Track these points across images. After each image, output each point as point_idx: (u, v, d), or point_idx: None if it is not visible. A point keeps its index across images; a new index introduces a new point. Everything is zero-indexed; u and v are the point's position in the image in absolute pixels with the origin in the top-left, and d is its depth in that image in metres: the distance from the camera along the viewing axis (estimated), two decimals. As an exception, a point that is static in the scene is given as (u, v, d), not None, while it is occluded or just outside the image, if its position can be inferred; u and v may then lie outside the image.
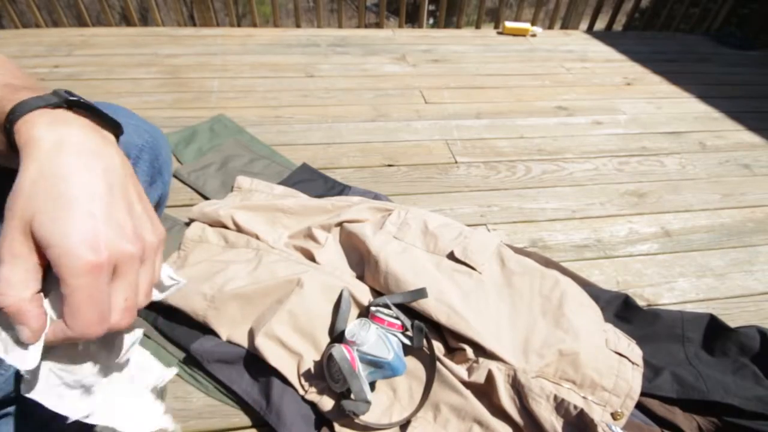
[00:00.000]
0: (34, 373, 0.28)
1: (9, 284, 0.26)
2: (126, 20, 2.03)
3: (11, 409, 0.47)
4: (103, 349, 0.32)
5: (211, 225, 0.90)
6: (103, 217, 0.27)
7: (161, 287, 0.35)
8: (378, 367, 0.64)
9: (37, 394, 0.29)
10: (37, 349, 0.27)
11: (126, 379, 0.34)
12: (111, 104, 0.46)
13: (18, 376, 0.45)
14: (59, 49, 1.73)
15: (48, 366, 0.29)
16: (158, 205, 0.64)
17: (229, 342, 0.73)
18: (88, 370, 0.31)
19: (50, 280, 0.28)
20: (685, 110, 1.64)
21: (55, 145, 0.28)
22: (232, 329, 0.73)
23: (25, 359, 0.27)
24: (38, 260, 0.27)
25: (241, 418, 0.67)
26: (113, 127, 0.33)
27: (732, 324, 0.78)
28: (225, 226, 0.89)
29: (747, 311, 0.90)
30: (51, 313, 0.28)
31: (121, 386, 0.33)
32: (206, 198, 1.05)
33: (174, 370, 0.36)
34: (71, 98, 0.31)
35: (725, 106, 1.67)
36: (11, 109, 0.29)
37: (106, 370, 0.32)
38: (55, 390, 0.29)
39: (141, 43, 1.84)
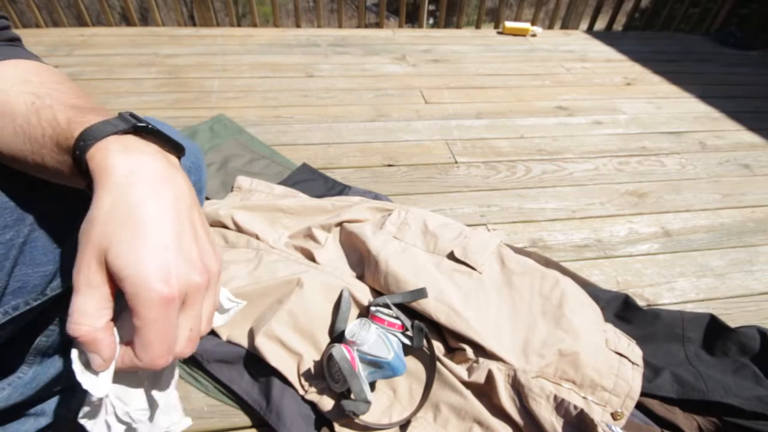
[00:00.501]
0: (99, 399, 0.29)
1: (84, 314, 0.26)
2: (126, 20, 2.03)
3: (35, 409, 0.48)
4: (152, 385, 0.33)
5: (211, 225, 0.90)
6: (174, 249, 0.28)
7: (221, 310, 0.35)
8: (378, 367, 0.64)
9: (86, 420, 0.29)
10: (108, 376, 0.28)
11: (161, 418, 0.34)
12: (162, 123, 0.47)
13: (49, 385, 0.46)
14: (59, 49, 1.74)
15: (108, 399, 0.30)
16: None
17: (229, 342, 0.73)
18: (138, 404, 0.31)
19: (118, 306, 0.28)
20: (685, 110, 1.64)
21: (128, 174, 0.28)
22: (232, 329, 0.73)
23: (96, 385, 0.28)
24: (111, 289, 0.27)
25: (241, 418, 0.67)
26: (177, 150, 0.34)
27: (732, 324, 0.78)
28: (225, 226, 0.89)
29: (747, 311, 0.90)
30: (118, 339, 0.28)
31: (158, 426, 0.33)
32: (206, 198, 1.05)
33: (189, 422, 0.35)
34: (139, 124, 0.31)
35: (725, 106, 1.67)
36: (81, 135, 0.29)
37: (151, 407, 0.32)
38: (105, 418, 0.30)
39: (141, 43, 1.84)
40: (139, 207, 0.27)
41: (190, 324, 0.29)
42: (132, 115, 0.32)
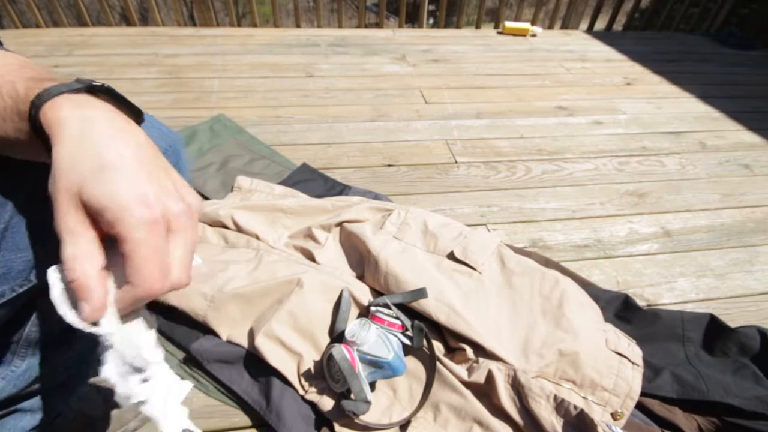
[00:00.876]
0: (110, 349, 0.30)
1: (74, 258, 0.26)
2: (126, 20, 2.03)
3: (23, 405, 0.48)
4: (153, 335, 0.33)
5: (211, 225, 0.90)
6: (146, 179, 0.28)
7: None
8: (378, 367, 0.64)
9: (107, 371, 0.30)
10: (111, 316, 0.28)
11: (165, 376, 0.35)
12: (158, 119, 0.47)
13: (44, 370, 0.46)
14: (59, 49, 1.74)
15: (119, 345, 0.30)
16: None
17: (229, 342, 0.72)
18: (147, 354, 0.32)
19: (111, 260, 0.28)
20: (685, 110, 1.64)
21: (84, 122, 0.28)
22: (232, 329, 0.73)
23: (100, 327, 0.28)
24: (98, 234, 0.27)
25: (241, 418, 0.67)
26: (135, 114, 0.34)
27: (732, 324, 0.78)
28: (225, 226, 0.89)
29: (747, 311, 0.90)
30: (114, 287, 0.29)
31: (164, 384, 0.34)
32: (206, 198, 1.05)
33: (189, 385, 0.36)
34: (95, 84, 0.31)
35: (725, 106, 1.67)
36: (36, 96, 0.29)
37: (158, 361, 0.33)
38: (121, 369, 0.31)
39: (141, 43, 1.84)
40: (104, 146, 0.28)
41: (180, 251, 0.29)
42: (90, 80, 0.32)
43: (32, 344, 0.45)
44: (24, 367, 0.45)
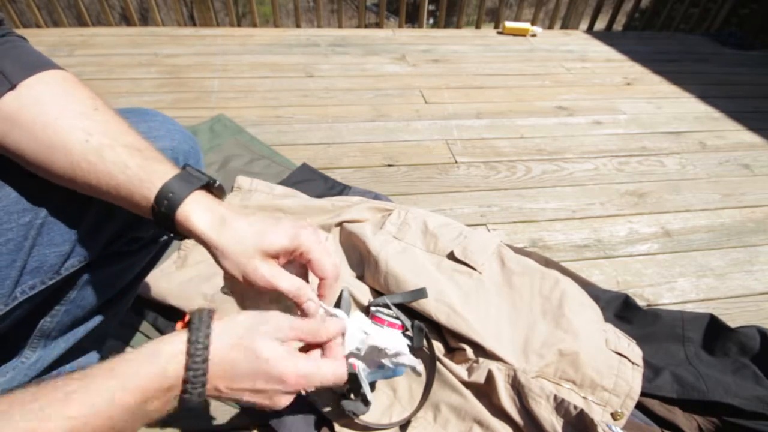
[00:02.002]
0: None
1: (297, 287, 0.40)
2: (126, 20, 2.03)
3: None
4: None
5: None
6: (278, 221, 0.41)
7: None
8: (378, 367, 0.64)
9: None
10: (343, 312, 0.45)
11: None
12: (161, 114, 0.52)
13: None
14: (59, 49, 1.74)
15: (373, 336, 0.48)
16: None
17: (229, 342, 0.72)
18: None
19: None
20: (685, 110, 1.64)
21: (217, 214, 0.38)
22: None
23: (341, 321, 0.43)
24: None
25: (241, 418, 0.67)
26: (222, 192, 0.44)
27: (732, 324, 0.78)
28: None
29: (747, 311, 0.90)
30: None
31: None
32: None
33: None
34: (210, 181, 0.41)
35: (725, 106, 1.67)
36: (158, 194, 0.37)
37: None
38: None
39: (141, 43, 1.84)
40: (248, 222, 0.39)
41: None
42: (196, 169, 0.40)
43: (45, 335, 0.47)
44: (34, 358, 0.46)
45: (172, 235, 0.40)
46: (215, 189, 0.41)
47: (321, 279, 0.42)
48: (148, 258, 0.55)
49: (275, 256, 0.39)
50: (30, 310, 0.43)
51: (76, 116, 0.38)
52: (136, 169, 0.37)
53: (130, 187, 0.37)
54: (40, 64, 0.39)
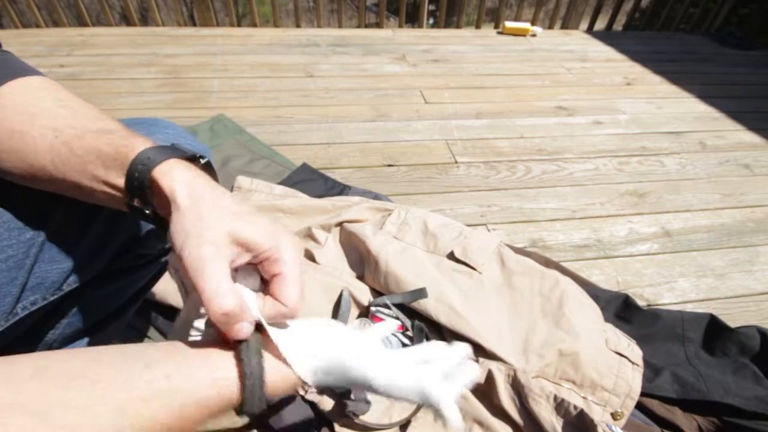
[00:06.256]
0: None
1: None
2: (126, 20, 2.03)
3: None
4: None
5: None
6: (266, 219, 0.34)
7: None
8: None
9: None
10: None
11: None
12: (173, 125, 0.51)
13: None
14: (59, 49, 1.74)
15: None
16: None
17: (229, 342, 0.72)
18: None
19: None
20: (685, 110, 1.64)
21: (197, 187, 0.32)
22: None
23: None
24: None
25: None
26: (212, 171, 0.39)
27: (732, 324, 0.78)
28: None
29: (747, 311, 0.90)
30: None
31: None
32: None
33: None
34: (197, 155, 0.36)
35: (725, 106, 1.67)
36: (134, 159, 0.33)
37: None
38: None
39: (141, 43, 1.84)
40: (230, 204, 0.32)
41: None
42: (173, 145, 0.36)
43: (47, 346, 0.47)
44: None
45: (145, 210, 0.34)
46: (202, 165, 0.36)
47: (278, 309, 0.32)
48: (152, 273, 0.55)
49: (241, 245, 0.31)
50: (31, 323, 0.43)
51: (43, 118, 0.36)
52: (107, 149, 0.34)
53: (105, 169, 0.34)
54: (10, 73, 0.38)
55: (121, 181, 0.33)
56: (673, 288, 0.94)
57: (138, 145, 0.34)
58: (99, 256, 0.45)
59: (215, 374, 0.30)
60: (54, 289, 0.42)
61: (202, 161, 0.36)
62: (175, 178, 0.32)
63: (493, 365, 0.67)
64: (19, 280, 0.39)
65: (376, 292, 0.79)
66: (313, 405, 0.66)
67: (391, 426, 0.64)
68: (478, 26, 2.31)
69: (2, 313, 0.39)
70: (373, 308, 0.72)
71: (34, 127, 0.35)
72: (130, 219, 0.46)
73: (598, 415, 0.64)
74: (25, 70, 0.39)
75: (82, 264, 0.43)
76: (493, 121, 1.48)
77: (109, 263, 0.47)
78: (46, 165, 0.35)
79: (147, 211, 0.34)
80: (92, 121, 0.36)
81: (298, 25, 2.16)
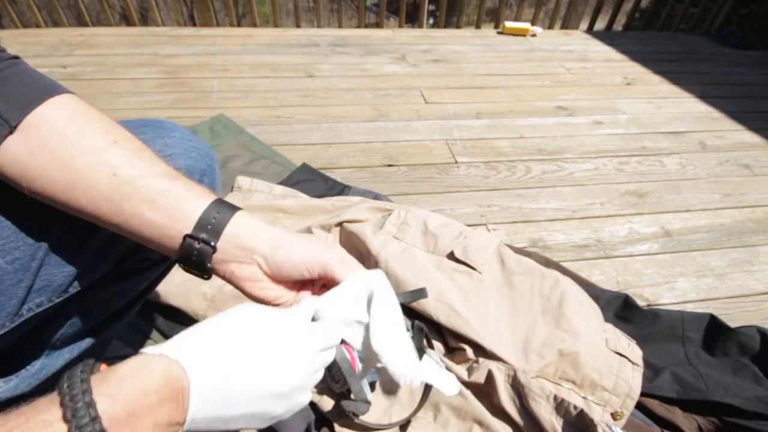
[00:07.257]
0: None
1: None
2: (126, 20, 2.03)
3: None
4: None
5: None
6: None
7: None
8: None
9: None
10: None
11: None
12: (179, 128, 0.50)
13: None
14: (59, 49, 1.74)
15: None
16: None
17: (229, 342, 0.72)
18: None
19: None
20: (685, 110, 1.64)
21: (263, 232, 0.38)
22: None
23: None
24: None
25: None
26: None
27: (732, 324, 0.78)
28: (225, 226, 0.89)
29: (747, 311, 0.90)
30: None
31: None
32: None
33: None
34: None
35: (725, 106, 1.67)
36: (209, 209, 0.36)
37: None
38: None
39: (141, 43, 1.84)
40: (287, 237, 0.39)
41: None
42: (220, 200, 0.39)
43: (50, 346, 0.47)
44: (37, 367, 0.47)
45: (204, 275, 0.38)
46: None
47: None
48: (156, 275, 0.55)
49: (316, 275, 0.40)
50: (35, 324, 0.43)
51: (94, 151, 0.36)
52: (172, 196, 0.36)
53: (170, 212, 0.36)
54: (39, 93, 0.36)
55: (182, 226, 0.36)
56: (673, 288, 0.94)
57: (204, 197, 0.37)
58: (106, 258, 0.45)
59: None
60: (60, 291, 0.42)
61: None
62: (257, 230, 0.37)
63: (493, 365, 0.67)
64: (25, 282, 0.39)
65: (376, 292, 0.79)
66: (313, 405, 0.66)
67: (391, 426, 0.64)
68: (478, 26, 2.31)
69: (8, 314, 0.39)
70: (373, 308, 0.72)
71: (85, 161, 0.35)
72: None
73: (598, 415, 0.64)
74: (53, 87, 0.38)
75: (88, 267, 0.44)
76: (493, 121, 1.48)
77: (115, 266, 0.47)
78: (98, 201, 0.36)
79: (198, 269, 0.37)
80: (152, 165, 0.37)
81: (298, 25, 2.16)
